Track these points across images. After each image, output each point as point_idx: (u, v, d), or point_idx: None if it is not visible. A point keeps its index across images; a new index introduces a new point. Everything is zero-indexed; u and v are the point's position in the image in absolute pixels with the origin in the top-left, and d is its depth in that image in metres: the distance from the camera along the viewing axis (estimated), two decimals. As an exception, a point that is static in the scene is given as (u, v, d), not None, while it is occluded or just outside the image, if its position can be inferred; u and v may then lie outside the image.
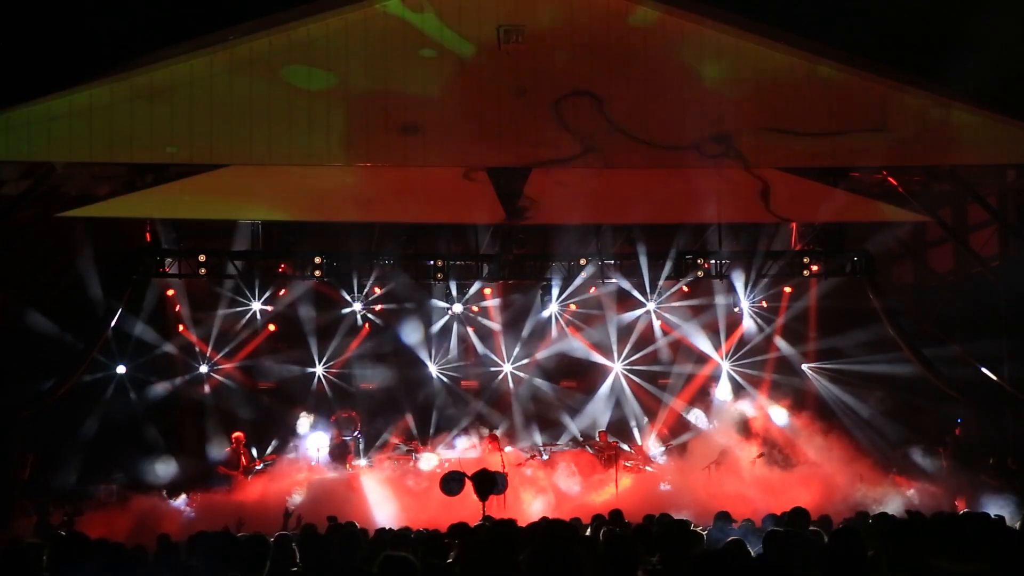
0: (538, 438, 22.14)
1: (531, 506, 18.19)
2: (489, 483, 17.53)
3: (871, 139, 18.31)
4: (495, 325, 23.06)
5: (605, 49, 18.05)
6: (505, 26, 17.80)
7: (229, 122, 17.68)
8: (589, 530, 10.32)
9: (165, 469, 19.99)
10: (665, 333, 22.78)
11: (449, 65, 17.88)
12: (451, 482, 18.33)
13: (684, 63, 18.15)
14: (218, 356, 22.25)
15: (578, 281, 21.49)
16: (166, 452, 20.44)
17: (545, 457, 21.05)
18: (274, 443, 21.48)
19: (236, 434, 20.59)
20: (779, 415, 21.34)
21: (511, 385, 23.03)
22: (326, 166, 18.25)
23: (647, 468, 21.01)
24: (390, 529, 12.20)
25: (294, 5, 18.81)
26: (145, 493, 19.21)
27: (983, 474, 19.03)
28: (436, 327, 22.85)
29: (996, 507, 15.73)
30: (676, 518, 9.86)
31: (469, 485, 17.85)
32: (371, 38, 17.88)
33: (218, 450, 20.75)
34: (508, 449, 20.75)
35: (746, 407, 21.65)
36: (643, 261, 21.09)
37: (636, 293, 22.13)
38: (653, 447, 21.85)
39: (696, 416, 22.15)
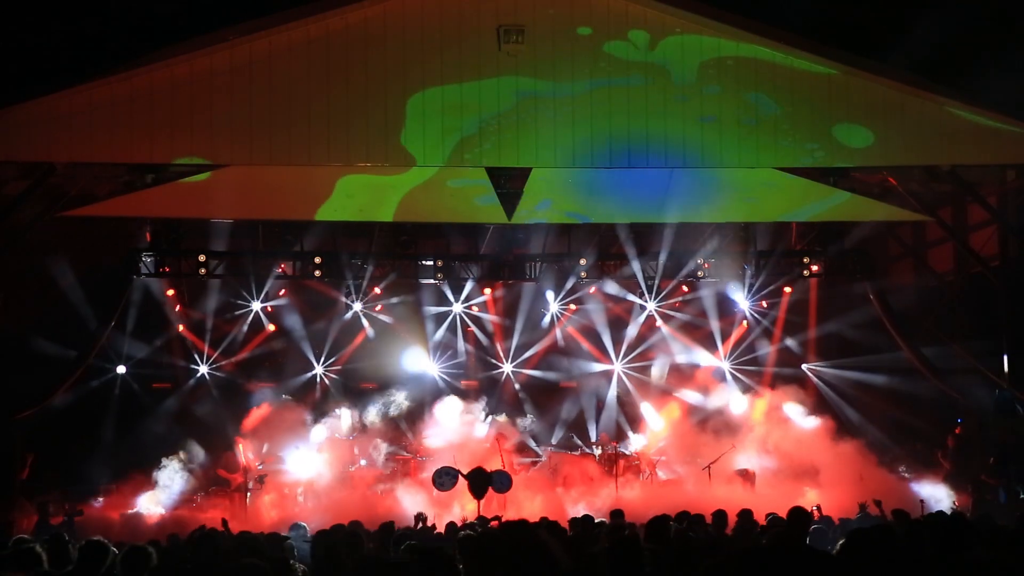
0: (539, 439, 22.10)
1: (529, 507, 18.17)
2: (485, 482, 17.53)
3: (871, 139, 18.33)
4: (494, 323, 23.06)
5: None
6: (505, 26, 17.81)
7: (230, 122, 17.69)
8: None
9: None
10: (665, 334, 22.74)
11: (450, 64, 17.89)
12: (443, 476, 18.34)
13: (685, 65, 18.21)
14: (218, 356, 22.23)
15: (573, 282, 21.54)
16: (164, 452, 20.38)
17: (544, 459, 21.05)
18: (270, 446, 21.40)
19: (236, 436, 20.58)
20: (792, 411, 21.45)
21: (514, 384, 23.04)
22: (326, 166, 18.26)
23: (647, 470, 20.98)
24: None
25: (294, 5, 18.81)
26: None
27: (983, 474, 19.03)
28: (436, 327, 22.82)
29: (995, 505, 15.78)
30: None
31: (462, 482, 17.87)
32: (371, 38, 17.89)
33: (218, 452, 20.71)
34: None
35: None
36: (639, 261, 21.11)
37: (635, 296, 22.16)
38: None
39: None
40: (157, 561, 7.21)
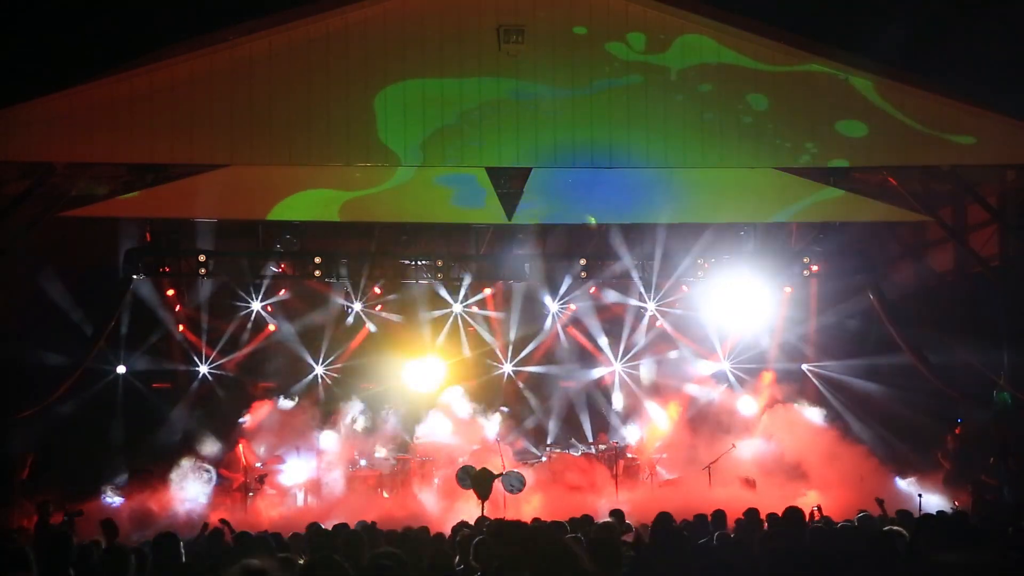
0: (538, 439, 22.11)
1: (528, 508, 18.16)
2: (490, 483, 17.52)
3: (871, 139, 18.35)
4: (493, 322, 23.07)
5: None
6: (505, 26, 17.83)
7: (230, 122, 17.71)
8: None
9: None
10: (663, 333, 22.73)
11: (451, 64, 17.92)
12: (463, 478, 18.37)
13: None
14: (217, 356, 22.24)
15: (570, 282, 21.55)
16: (166, 452, 20.39)
17: (543, 459, 21.05)
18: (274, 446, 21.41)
19: (237, 436, 20.59)
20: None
21: (518, 384, 23.06)
22: (325, 166, 18.28)
23: (647, 470, 20.99)
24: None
25: (294, 5, 18.84)
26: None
27: (983, 474, 19.04)
28: (435, 327, 22.82)
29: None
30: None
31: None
32: (371, 38, 17.91)
33: (219, 452, 20.70)
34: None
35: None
36: (638, 261, 21.09)
37: (633, 295, 22.15)
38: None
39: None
40: (159, 562, 7.21)
